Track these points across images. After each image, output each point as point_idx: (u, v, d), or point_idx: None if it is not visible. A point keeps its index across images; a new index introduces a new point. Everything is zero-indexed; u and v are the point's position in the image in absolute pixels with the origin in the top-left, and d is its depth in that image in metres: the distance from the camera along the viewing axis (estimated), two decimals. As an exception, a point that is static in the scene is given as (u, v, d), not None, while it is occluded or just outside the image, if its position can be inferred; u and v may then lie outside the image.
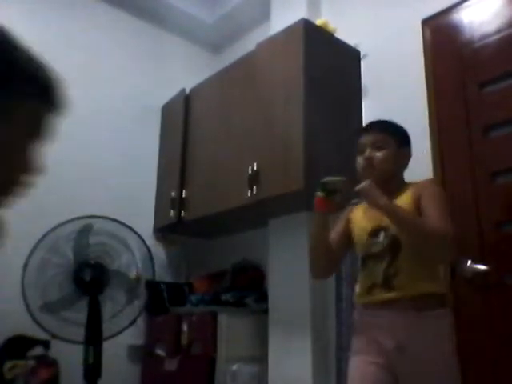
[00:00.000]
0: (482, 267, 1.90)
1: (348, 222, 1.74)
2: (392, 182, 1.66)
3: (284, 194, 2.27)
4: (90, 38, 3.13)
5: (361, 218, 1.69)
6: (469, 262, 1.93)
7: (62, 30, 3.02)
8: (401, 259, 1.53)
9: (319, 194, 1.60)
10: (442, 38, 2.32)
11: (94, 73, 3.09)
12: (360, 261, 1.66)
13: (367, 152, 1.65)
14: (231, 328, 2.46)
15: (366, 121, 2.52)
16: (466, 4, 2.25)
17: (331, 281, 2.31)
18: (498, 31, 2.11)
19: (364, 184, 1.55)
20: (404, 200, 1.58)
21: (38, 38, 2.93)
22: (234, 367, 2.38)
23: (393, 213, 1.51)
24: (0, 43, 0.65)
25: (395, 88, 2.41)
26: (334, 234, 1.73)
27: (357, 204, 1.76)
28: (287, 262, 2.45)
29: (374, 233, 1.61)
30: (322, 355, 2.29)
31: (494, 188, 2.00)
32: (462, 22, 2.25)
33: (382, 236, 1.58)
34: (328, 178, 1.60)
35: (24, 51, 0.68)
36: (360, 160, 1.68)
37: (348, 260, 2.09)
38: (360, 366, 1.55)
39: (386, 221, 1.55)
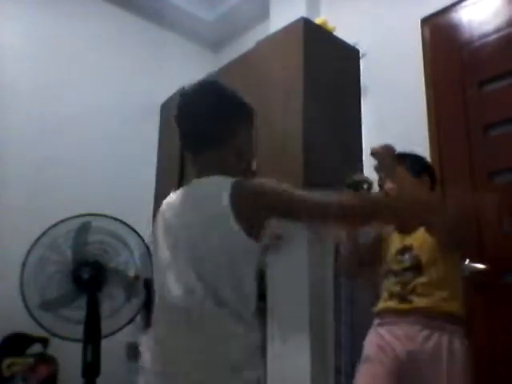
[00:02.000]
0: (480, 266, 1.90)
1: (384, 240, 1.77)
2: None
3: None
4: (89, 37, 3.12)
5: (394, 236, 1.74)
6: (467, 261, 1.93)
7: (61, 30, 3.02)
8: (421, 278, 1.58)
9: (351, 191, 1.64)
10: (441, 37, 2.32)
11: (94, 71, 3.09)
12: (384, 273, 1.70)
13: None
14: (230, 326, 2.45)
15: (365, 120, 2.52)
16: (465, 3, 2.25)
17: (330, 279, 2.32)
18: (497, 30, 2.11)
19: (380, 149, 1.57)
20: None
21: (37, 37, 2.94)
22: (233, 366, 2.38)
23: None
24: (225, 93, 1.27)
25: (394, 87, 2.41)
26: (367, 245, 1.79)
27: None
28: (286, 261, 2.44)
29: (402, 251, 1.66)
30: (321, 355, 2.29)
31: (493, 187, 2.01)
32: (461, 21, 2.25)
33: (407, 255, 1.65)
34: (360, 177, 1.63)
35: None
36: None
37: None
38: (369, 373, 1.57)
39: (411, 240, 1.64)
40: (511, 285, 1.88)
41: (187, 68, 3.48)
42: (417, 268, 1.60)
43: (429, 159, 2.19)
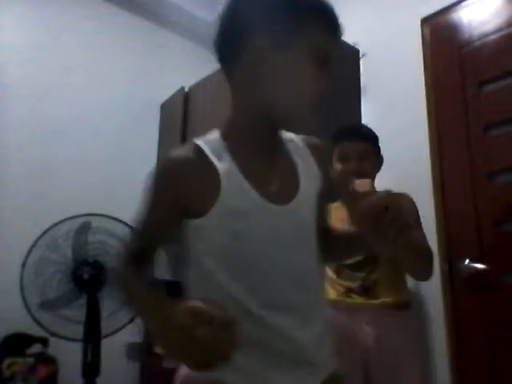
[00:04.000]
0: (480, 266, 1.90)
1: None
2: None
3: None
4: (89, 37, 3.12)
5: (337, 224, 1.70)
6: (467, 261, 1.93)
7: (60, 29, 3.01)
8: (378, 272, 1.59)
9: None
10: (441, 37, 2.32)
11: (93, 71, 3.09)
12: (332, 267, 1.67)
13: (352, 162, 1.64)
14: (230, 326, 2.45)
15: (364, 120, 2.52)
16: (465, 3, 2.25)
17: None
18: (497, 30, 2.11)
19: (367, 187, 1.54)
20: None
21: (37, 37, 2.94)
22: (233, 365, 2.38)
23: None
24: None
25: (394, 87, 2.41)
26: None
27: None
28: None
29: None
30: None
31: (493, 187, 2.01)
32: (461, 21, 2.25)
33: None
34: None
35: None
36: (344, 169, 1.66)
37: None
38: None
39: None
40: (511, 285, 1.88)
41: (187, 68, 3.48)
42: (372, 260, 1.60)
43: (429, 158, 2.20)
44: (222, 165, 0.89)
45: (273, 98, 0.90)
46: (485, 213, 1.98)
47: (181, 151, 0.93)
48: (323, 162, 1.05)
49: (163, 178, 0.92)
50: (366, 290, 1.59)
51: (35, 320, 2.24)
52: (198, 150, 0.91)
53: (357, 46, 2.62)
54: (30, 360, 2.33)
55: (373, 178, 1.70)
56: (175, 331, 0.68)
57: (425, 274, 1.56)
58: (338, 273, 1.65)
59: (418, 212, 1.66)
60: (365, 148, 1.66)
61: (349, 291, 1.62)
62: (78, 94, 3.00)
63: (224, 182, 0.87)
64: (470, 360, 1.90)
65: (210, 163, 0.89)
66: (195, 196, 0.88)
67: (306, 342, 0.88)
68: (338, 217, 1.70)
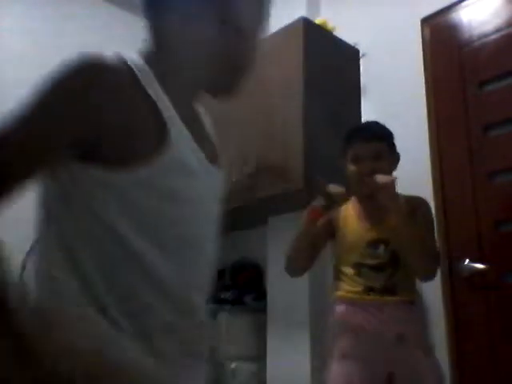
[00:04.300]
0: (480, 266, 1.90)
1: (332, 221, 1.74)
2: None
3: (283, 192, 2.27)
4: (89, 37, 3.12)
5: (355, 223, 1.69)
6: (467, 261, 1.93)
7: (61, 30, 3.02)
8: (400, 273, 1.61)
9: (321, 204, 1.60)
10: (441, 37, 2.32)
11: (93, 71, 3.09)
12: (351, 266, 1.66)
13: (366, 163, 1.62)
14: (230, 326, 2.46)
15: (365, 120, 2.52)
16: (465, 3, 2.25)
17: (330, 279, 2.32)
18: (497, 30, 2.10)
19: (388, 180, 1.53)
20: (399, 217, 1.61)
21: (37, 37, 2.94)
22: (233, 365, 2.38)
23: (407, 224, 1.55)
24: None
25: (394, 87, 2.41)
26: (317, 232, 1.73)
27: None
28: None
29: (374, 244, 1.62)
30: (321, 353, 2.29)
31: (493, 187, 2.01)
32: (461, 21, 2.25)
33: (382, 249, 1.60)
34: (333, 189, 1.59)
35: None
36: (355, 170, 1.65)
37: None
38: (349, 370, 1.58)
39: (386, 233, 1.59)
40: (511, 285, 1.88)
41: (187, 68, 3.48)
42: (395, 263, 1.60)
43: (429, 159, 2.20)
44: (163, 107, 0.71)
45: (218, 49, 0.80)
46: (485, 213, 1.98)
47: (113, 64, 0.71)
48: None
49: (74, 90, 0.66)
50: (387, 290, 1.60)
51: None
52: (133, 75, 0.70)
53: (357, 46, 2.62)
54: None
55: None
56: None
57: (428, 272, 1.58)
58: (358, 272, 1.64)
59: (431, 216, 1.69)
60: (379, 148, 1.64)
61: (369, 290, 1.61)
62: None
63: (173, 132, 0.70)
64: (470, 360, 1.90)
65: (151, 100, 0.70)
66: (129, 134, 0.66)
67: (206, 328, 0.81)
68: (354, 213, 1.71)
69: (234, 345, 2.44)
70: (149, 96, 0.69)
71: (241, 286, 2.73)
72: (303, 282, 2.34)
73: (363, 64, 2.61)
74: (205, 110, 0.96)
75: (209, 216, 0.82)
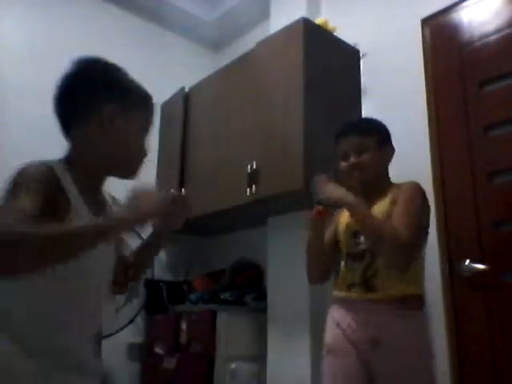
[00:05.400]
0: (480, 266, 1.91)
1: (336, 224, 1.77)
2: (378, 183, 1.68)
3: (283, 192, 2.27)
4: (89, 37, 3.12)
5: (346, 215, 1.71)
6: (467, 261, 1.93)
7: (61, 30, 3.02)
8: (379, 261, 1.56)
9: (319, 207, 1.63)
10: (441, 38, 2.32)
11: (94, 71, 3.09)
12: (343, 257, 1.70)
13: (351, 158, 1.67)
14: (230, 326, 2.46)
15: (365, 120, 2.52)
16: (465, 3, 2.25)
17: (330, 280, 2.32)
18: (498, 31, 2.11)
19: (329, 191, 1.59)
20: (384, 204, 1.61)
21: (37, 38, 2.94)
22: (233, 365, 2.38)
23: (354, 210, 1.56)
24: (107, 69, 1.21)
25: (394, 87, 2.41)
26: (326, 237, 1.76)
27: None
28: (286, 261, 2.45)
29: (356, 234, 1.64)
30: (321, 353, 2.29)
31: (493, 187, 2.01)
32: (461, 21, 2.25)
33: (362, 237, 1.61)
34: (322, 197, 1.62)
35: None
36: (344, 165, 1.70)
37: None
38: (333, 365, 1.59)
39: None
40: (511, 285, 1.88)
41: (187, 68, 3.48)
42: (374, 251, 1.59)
43: (429, 159, 2.20)
44: (71, 192, 1.06)
45: (114, 152, 1.14)
46: (485, 213, 1.98)
47: (42, 167, 1.05)
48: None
49: (37, 180, 1.01)
50: (367, 284, 1.58)
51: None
52: (53, 172, 1.05)
53: (357, 46, 2.63)
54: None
55: (381, 169, 1.71)
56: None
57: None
58: (346, 263, 1.67)
59: (410, 197, 1.59)
60: (361, 142, 1.67)
61: (351, 286, 1.62)
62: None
63: (72, 207, 1.05)
64: (470, 359, 1.91)
65: (63, 187, 1.05)
66: (53, 205, 1.00)
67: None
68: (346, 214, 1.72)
69: (234, 345, 2.44)
70: (65, 190, 1.05)
71: (241, 286, 2.74)
72: (303, 282, 2.34)
73: (363, 64, 2.61)
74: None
75: (98, 277, 1.14)
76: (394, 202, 1.59)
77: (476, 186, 2.03)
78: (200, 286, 2.90)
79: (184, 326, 2.57)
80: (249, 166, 2.45)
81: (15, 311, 1.01)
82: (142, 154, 1.20)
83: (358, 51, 2.62)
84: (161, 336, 2.73)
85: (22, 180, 1.01)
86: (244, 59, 2.76)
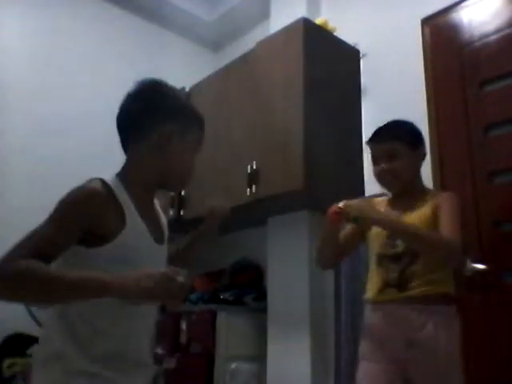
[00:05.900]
0: (481, 266, 1.91)
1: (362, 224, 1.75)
2: (413, 188, 1.67)
3: (283, 192, 2.27)
4: (89, 37, 3.13)
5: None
6: (468, 261, 1.93)
7: (61, 30, 3.02)
8: (417, 264, 1.55)
9: (336, 206, 1.60)
10: (441, 38, 2.32)
11: (93, 71, 3.09)
12: (374, 258, 1.66)
13: (382, 164, 1.65)
14: (230, 326, 2.46)
15: (365, 120, 2.52)
16: (465, 3, 2.25)
17: (330, 279, 2.32)
18: (498, 31, 2.11)
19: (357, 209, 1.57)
20: (424, 212, 1.59)
21: (37, 38, 2.94)
22: (233, 365, 2.38)
23: (392, 226, 1.56)
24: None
25: (394, 87, 2.41)
26: (346, 231, 1.73)
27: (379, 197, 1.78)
28: (286, 261, 2.45)
29: (391, 236, 1.62)
30: (321, 353, 2.30)
31: (493, 187, 2.01)
32: (461, 21, 2.25)
33: (399, 240, 1.60)
34: (355, 212, 1.59)
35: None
36: (376, 170, 1.68)
37: (347, 258, 2.09)
38: (369, 372, 1.58)
39: None
40: (511, 285, 1.88)
41: (187, 68, 3.48)
42: (412, 252, 1.57)
43: (429, 159, 2.19)
44: (126, 205, 1.16)
45: (169, 168, 1.25)
46: (485, 213, 1.98)
47: (94, 185, 1.13)
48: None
49: (77, 205, 1.09)
50: (403, 284, 1.56)
51: (35, 320, 2.24)
52: (108, 187, 1.14)
53: (357, 47, 2.63)
54: (31, 360, 2.33)
55: (414, 173, 1.69)
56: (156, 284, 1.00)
57: (442, 260, 1.55)
58: (380, 263, 1.64)
59: (450, 208, 1.59)
60: (392, 147, 1.64)
61: (386, 285, 1.59)
62: (78, 95, 3.00)
63: (128, 220, 1.14)
64: (470, 359, 1.90)
65: (118, 201, 1.15)
66: (104, 222, 1.09)
67: None
68: (385, 206, 1.72)
69: (234, 345, 2.44)
70: (119, 201, 1.15)
71: (241, 286, 2.73)
72: (303, 282, 2.34)
73: (363, 64, 2.61)
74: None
75: None
76: (435, 210, 1.58)
77: (476, 186, 2.03)
78: (200, 285, 2.90)
79: (184, 325, 2.57)
80: (249, 166, 2.45)
81: (81, 327, 1.10)
82: (192, 170, 1.32)
83: (357, 51, 2.63)
84: (161, 336, 2.72)
85: (62, 203, 1.08)
86: (244, 59, 2.76)
